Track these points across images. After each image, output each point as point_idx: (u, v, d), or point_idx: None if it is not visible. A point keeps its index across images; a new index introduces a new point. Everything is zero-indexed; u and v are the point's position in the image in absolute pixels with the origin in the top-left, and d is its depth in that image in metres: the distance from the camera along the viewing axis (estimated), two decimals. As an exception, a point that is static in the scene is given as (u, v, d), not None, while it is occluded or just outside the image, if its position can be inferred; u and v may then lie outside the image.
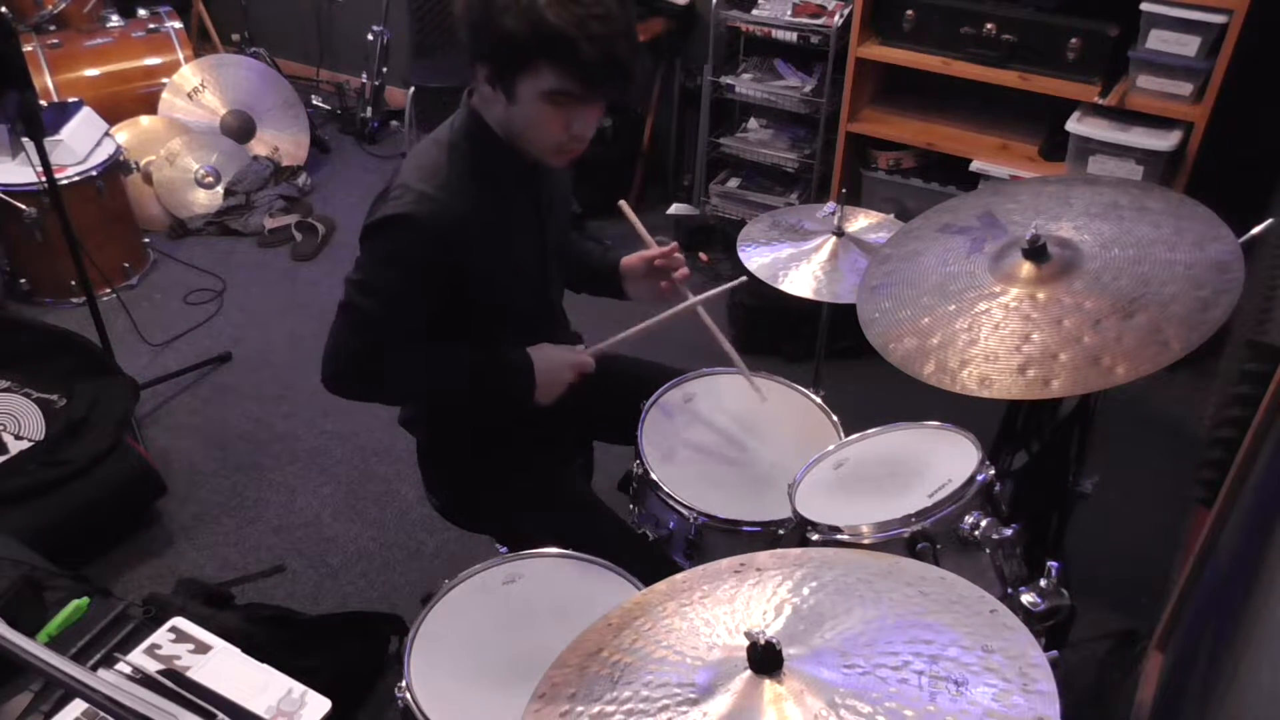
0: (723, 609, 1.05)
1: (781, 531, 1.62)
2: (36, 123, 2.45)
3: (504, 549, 1.79)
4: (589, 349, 1.77)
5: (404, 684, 1.39)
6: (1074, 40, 2.79)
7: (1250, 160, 2.78)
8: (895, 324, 1.52)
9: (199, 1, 4.41)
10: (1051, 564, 1.34)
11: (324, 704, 1.43)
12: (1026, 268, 1.47)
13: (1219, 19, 2.57)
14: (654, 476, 1.70)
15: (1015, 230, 1.56)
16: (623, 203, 1.90)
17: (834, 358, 2.46)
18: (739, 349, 1.84)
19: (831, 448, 1.62)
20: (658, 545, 1.73)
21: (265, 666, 1.48)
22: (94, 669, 1.47)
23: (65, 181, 3.10)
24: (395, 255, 1.55)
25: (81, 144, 3.28)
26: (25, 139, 2.61)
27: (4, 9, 2.38)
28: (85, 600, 1.66)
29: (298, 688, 1.45)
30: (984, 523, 1.36)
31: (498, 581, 1.54)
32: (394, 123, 4.46)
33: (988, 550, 1.37)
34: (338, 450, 2.85)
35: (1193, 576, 1.82)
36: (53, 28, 3.96)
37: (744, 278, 1.92)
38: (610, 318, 1.80)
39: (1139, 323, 1.35)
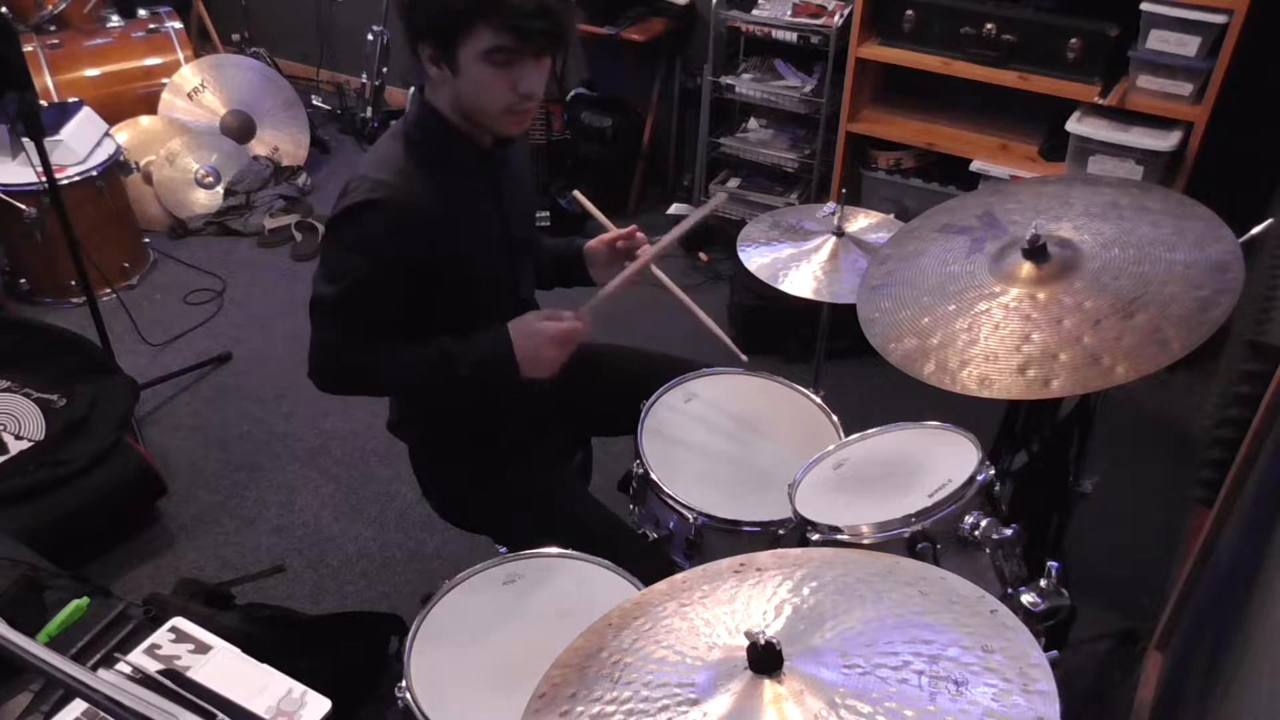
0: (723, 609, 1.05)
1: (781, 531, 1.62)
2: (36, 123, 2.45)
3: (504, 549, 1.79)
4: (577, 312, 1.68)
5: (404, 684, 1.39)
6: (1074, 40, 2.79)
7: (1250, 160, 2.78)
8: (895, 324, 1.52)
9: (199, 1, 4.41)
10: (1051, 564, 1.34)
11: (324, 704, 1.43)
12: (1026, 268, 1.47)
13: (1219, 19, 2.57)
14: (654, 476, 1.70)
15: (1015, 230, 1.56)
16: (577, 192, 1.92)
17: (834, 358, 2.46)
18: (739, 349, 1.84)
19: (831, 448, 1.62)
20: (658, 545, 1.73)
21: (265, 666, 1.48)
22: (94, 669, 1.47)
23: (65, 181, 3.09)
24: (357, 242, 1.57)
25: (81, 144, 3.28)
26: (25, 139, 2.61)
27: (4, 9, 2.39)
28: (85, 600, 1.66)
29: (298, 688, 1.45)
30: (984, 523, 1.36)
31: (498, 581, 1.54)
32: (394, 123, 4.45)
33: (988, 550, 1.37)
34: (338, 450, 2.85)
35: (1193, 576, 1.82)
36: (53, 28, 3.96)
37: (721, 196, 1.88)
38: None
39: (1139, 323, 1.35)
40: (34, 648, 0.89)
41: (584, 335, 1.67)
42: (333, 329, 1.60)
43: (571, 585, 1.54)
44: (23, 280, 3.38)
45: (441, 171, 1.61)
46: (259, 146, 4.08)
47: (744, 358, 1.86)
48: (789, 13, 3.26)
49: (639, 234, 1.83)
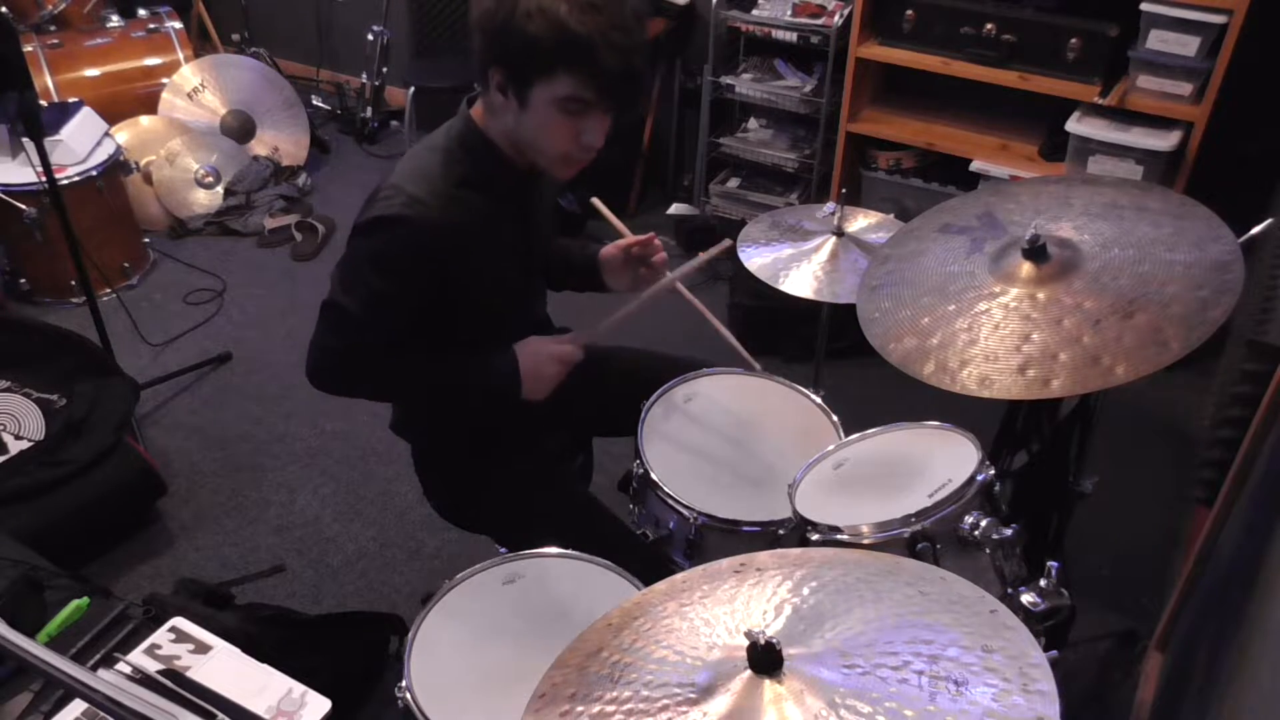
0: (723, 609, 1.05)
1: (781, 531, 1.62)
2: (36, 123, 2.45)
3: (504, 549, 1.79)
4: (575, 337, 1.71)
5: (404, 684, 1.39)
6: (1074, 40, 2.79)
7: (1250, 160, 2.78)
8: (895, 324, 1.52)
9: (199, 1, 4.42)
10: (1051, 564, 1.34)
11: (324, 704, 1.43)
12: (1026, 268, 1.47)
13: (1219, 19, 2.57)
14: (654, 476, 1.70)
15: (1015, 230, 1.56)
16: (595, 200, 1.91)
17: (834, 358, 2.46)
18: (752, 358, 1.84)
19: (831, 448, 1.62)
20: (658, 545, 1.73)
21: (265, 666, 1.48)
22: (94, 669, 1.47)
23: (65, 181, 3.09)
24: (380, 256, 1.55)
25: (81, 144, 3.28)
26: (25, 139, 2.61)
27: (4, 9, 2.39)
28: (85, 600, 1.66)
29: (298, 688, 1.45)
30: (984, 523, 1.36)
31: (498, 581, 1.54)
32: (394, 123, 4.46)
33: (988, 550, 1.37)
34: (338, 450, 2.85)
35: (1193, 576, 1.82)
36: (53, 28, 3.96)
37: (727, 241, 1.87)
38: (599, 314, 1.78)
39: (1139, 323, 1.35)
40: (34, 648, 0.90)
41: (578, 358, 1.67)
42: (338, 334, 1.60)
43: (571, 585, 1.54)
44: (23, 280, 3.38)
45: (476, 192, 1.59)
46: (259, 146, 4.08)
47: (757, 366, 1.85)
48: (789, 13, 3.26)
49: (656, 240, 1.82)
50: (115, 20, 4.03)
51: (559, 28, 1.40)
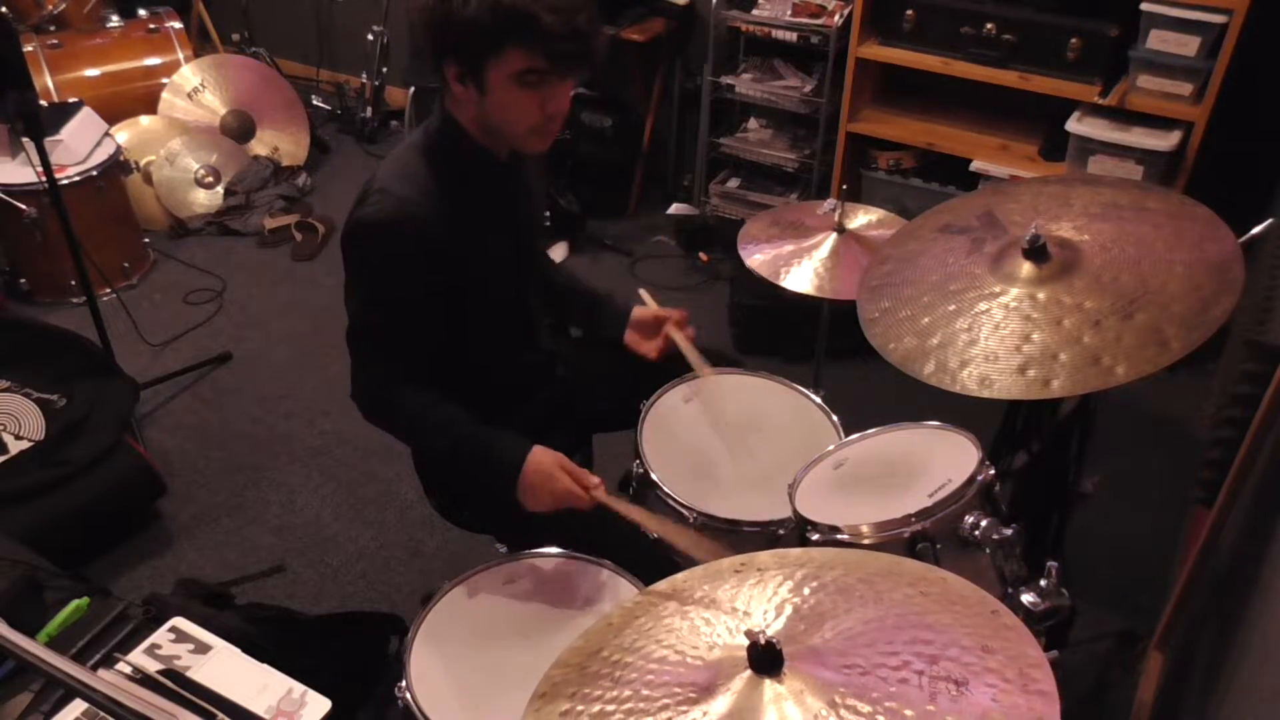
0: (723, 609, 1.05)
1: (781, 531, 1.62)
2: (36, 123, 2.45)
3: (504, 549, 1.79)
4: (596, 489, 1.56)
5: (404, 684, 1.39)
6: (1074, 40, 2.79)
7: (1250, 160, 2.78)
8: (895, 324, 1.52)
9: (199, 1, 4.41)
10: (1051, 564, 1.34)
11: (324, 704, 1.43)
12: (1026, 268, 1.47)
13: (1219, 19, 2.57)
14: (654, 476, 1.70)
15: (1015, 230, 1.56)
16: (643, 291, 1.92)
17: (834, 358, 2.46)
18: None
19: (831, 448, 1.63)
20: (658, 545, 1.73)
21: (265, 666, 1.48)
22: (94, 669, 1.47)
23: (65, 181, 3.09)
24: (384, 260, 1.57)
25: (81, 144, 3.28)
26: (25, 139, 2.61)
27: (4, 9, 2.39)
28: (85, 600, 1.65)
29: (298, 688, 1.45)
30: (984, 523, 1.36)
31: (498, 581, 1.55)
32: (394, 123, 4.46)
33: (988, 550, 1.37)
34: (338, 450, 2.85)
35: (1193, 576, 1.82)
36: (53, 28, 3.96)
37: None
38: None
39: (1139, 323, 1.35)
40: (34, 648, 0.89)
41: (582, 505, 1.57)
42: (367, 352, 1.64)
43: (572, 585, 1.54)
44: (23, 280, 3.38)
45: (459, 185, 1.61)
46: (259, 146, 4.08)
47: (702, 375, 1.86)
48: (789, 13, 3.26)
49: (685, 317, 1.86)
50: (115, 20, 4.03)
51: (495, 4, 1.42)
